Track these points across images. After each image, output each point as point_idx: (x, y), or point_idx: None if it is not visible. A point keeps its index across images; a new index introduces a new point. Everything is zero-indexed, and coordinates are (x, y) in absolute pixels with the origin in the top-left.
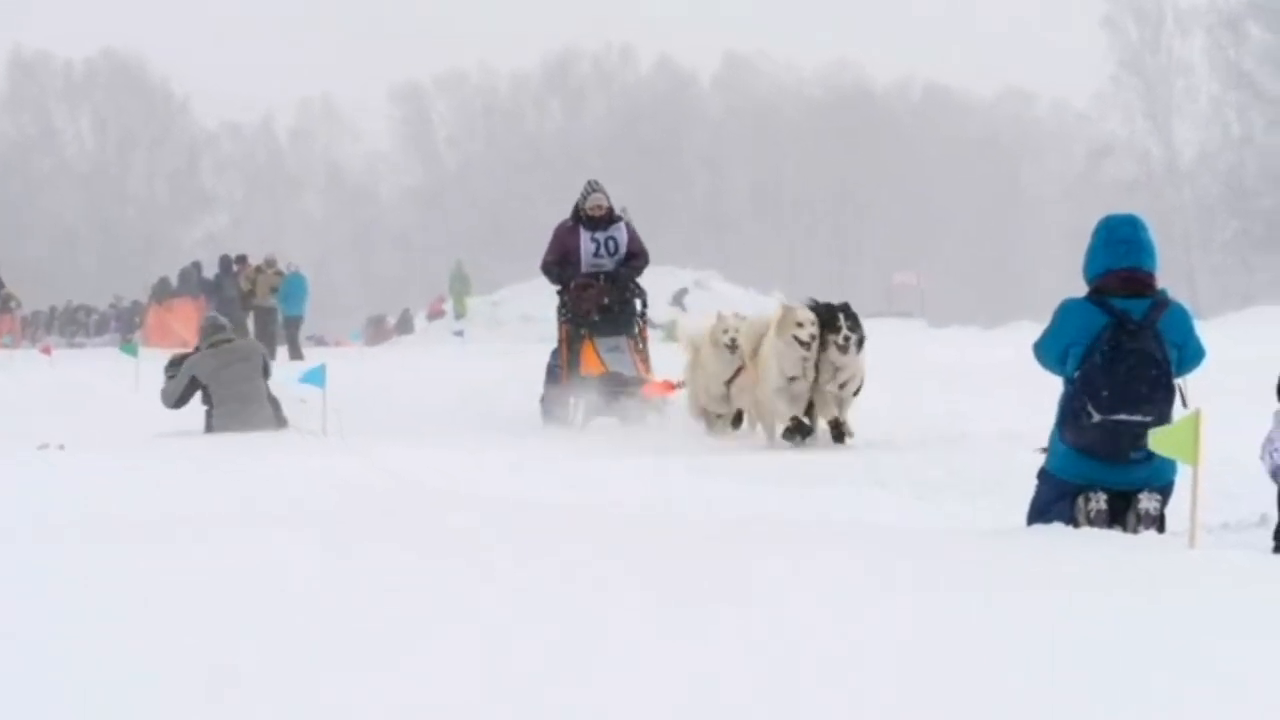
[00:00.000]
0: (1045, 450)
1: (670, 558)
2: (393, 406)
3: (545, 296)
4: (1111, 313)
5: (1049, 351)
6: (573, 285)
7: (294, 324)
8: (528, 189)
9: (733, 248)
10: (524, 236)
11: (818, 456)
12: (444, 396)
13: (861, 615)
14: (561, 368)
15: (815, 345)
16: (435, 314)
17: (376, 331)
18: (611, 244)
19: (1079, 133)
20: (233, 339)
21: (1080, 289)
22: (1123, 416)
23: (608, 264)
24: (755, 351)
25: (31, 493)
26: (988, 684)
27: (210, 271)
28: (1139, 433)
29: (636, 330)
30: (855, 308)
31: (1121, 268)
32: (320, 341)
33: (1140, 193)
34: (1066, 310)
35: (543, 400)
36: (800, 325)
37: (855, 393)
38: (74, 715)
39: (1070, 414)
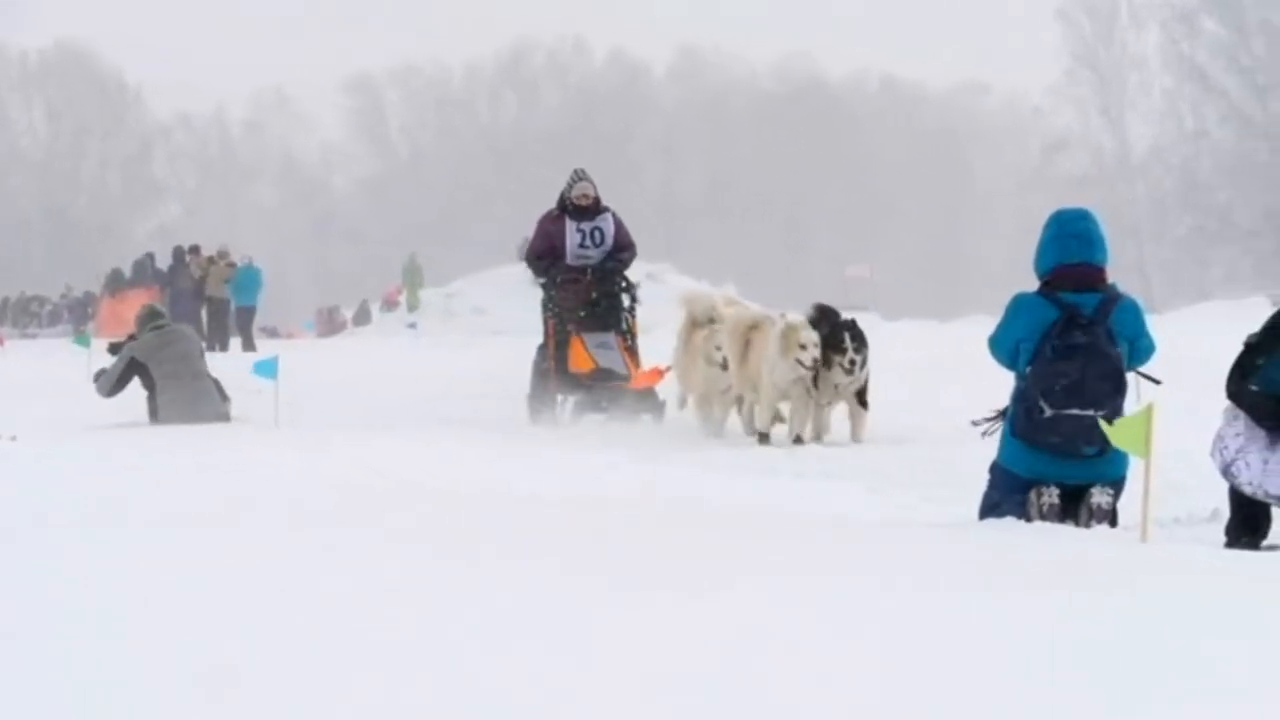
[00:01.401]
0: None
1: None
2: (347, 399)
3: (498, 289)
4: (1063, 307)
5: (1001, 346)
6: (559, 280)
7: (247, 315)
8: (481, 181)
9: (686, 240)
10: (477, 229)
11: (772, 450)
12: (405, 390)
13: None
14: (549, 364)
15: (816, 369)
16: (391, 303)
17: (329, 323)
18: (598, 235)
19: (1033, 126)
20: (170, 324)
21: (1033, 283)
22: (1075, 411)
23: (594, 256)
24: (745, 345)
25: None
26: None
27: (164, 263)
28: (1090, 427)
29: (625, 326)
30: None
31: (1073, 262)
32: (273, 333)
33: (1093, 187)
34: (1018, 305)
35: (529, 398)
36: (804, 348)
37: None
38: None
39: (1022, 408)
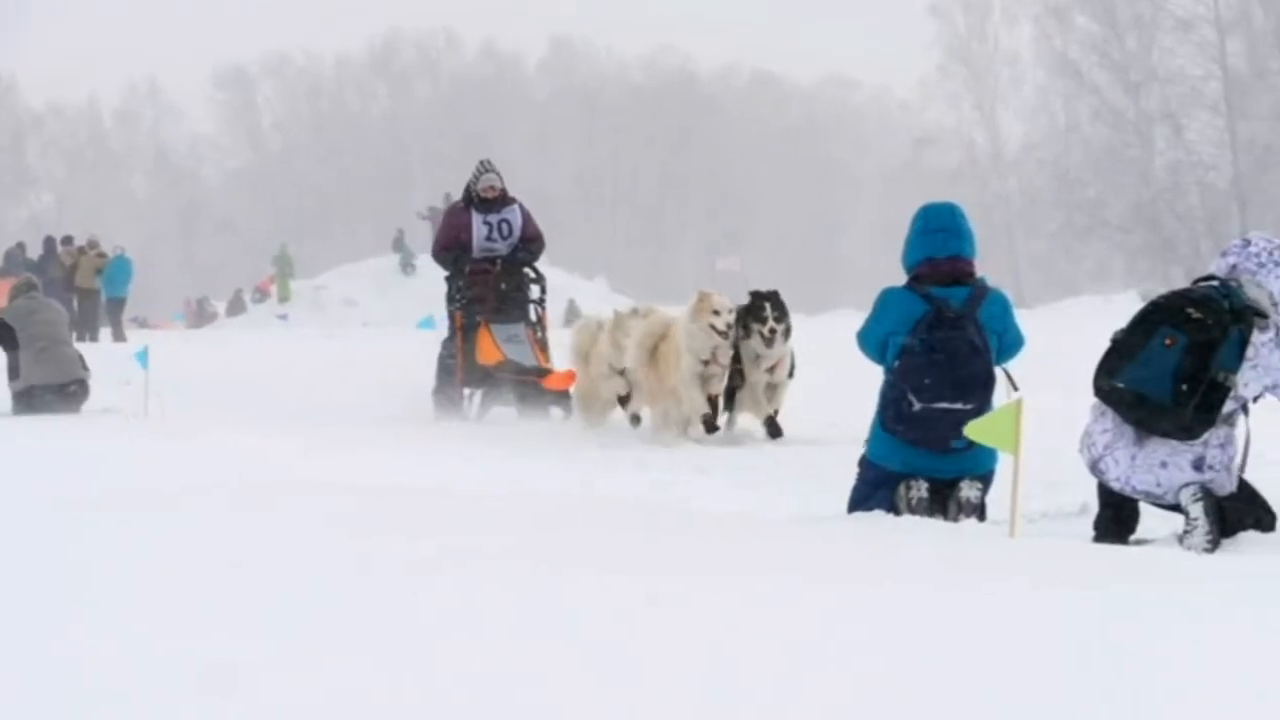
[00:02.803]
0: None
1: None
2: (219, 391)
3: (367, 281)
4: (931, 301)
5: (870, 340)
6: (466, 270)
7: (117, 306)
8: (352, 173)
9: (556, 233)
10: (348, 221)
11: (639, 444)
12: (283, 380)
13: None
14: (456, 357)
15: (731, 334)
16: (263, 292)
17: (199, 314)
18: (505, 227)
19: (902, 121)
20: (41, 296)
21: (901, 277)
22: (943, 405)
23: (501, 248)
24: (654, 350)
25: None
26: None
27: (35, 252)
28: (960, 421)
29: (535, 318)
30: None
31: (940, 256)
32: (143, 324)
33: (965, 182)
34: (886, 299)
35: (434, 392)
36: (716, 313)
37: (790, 374)
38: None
39: (891, 403)
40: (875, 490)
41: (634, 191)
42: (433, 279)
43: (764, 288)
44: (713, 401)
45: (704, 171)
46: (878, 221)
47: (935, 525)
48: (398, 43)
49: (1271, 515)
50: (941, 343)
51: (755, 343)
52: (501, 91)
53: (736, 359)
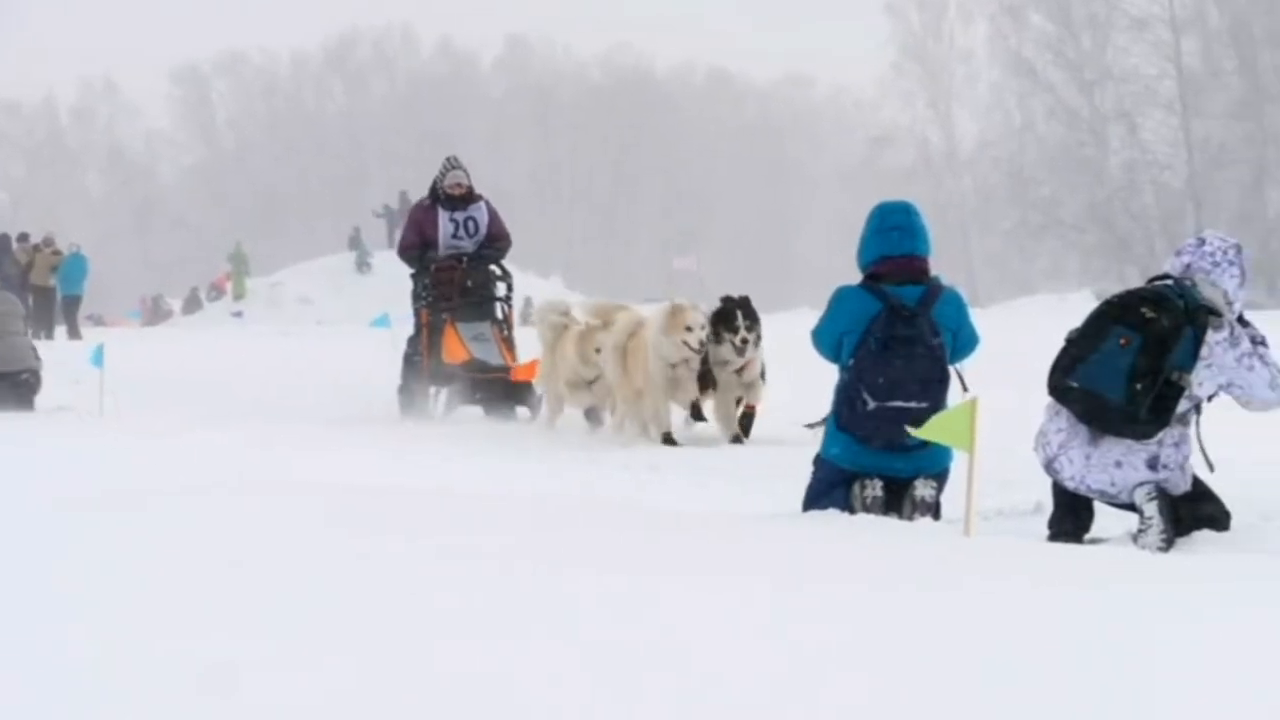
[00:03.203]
0: (815, 425)
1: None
2: (176, 388)
3: (323, 279)
4: (885, 299)
5: (824, 339)
6: (432, 268)
7: (72, 304)
8: (308, 171)
9: (512, 231)
10: (304, 219)
11: (601, 444)
12: (239, 379)
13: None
14: (422, 355)
15: (703, 351)
16: (219, 289)
17: (154, 311)
18: (471, 224)
19: (858, 120)
20: None
21: (857, 275)
22: (898, 404)
23: (468, 245)
24: (623, 352)
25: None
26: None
27: None
28: (914, 419)
29: (502, 316)
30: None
31: (895, 254)
32: (99, 321)
33: (920, 180)
34: (841, 297)
35: (400, 390)
36: (689, 329)
37: (761, 375)
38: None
39: (846, 401)
40: (830, 489)
41: (590, 189)
42: (388, 277)
43: (728, 290)
44: (696, 407)
45: (660, 170)
46: (834, 220)
47: (889, 524)
48: (354, 41)
49: (1226, 514)
50: (896, 341)
51: (726, 350)
52: (458, 89)
53: (705, 360)
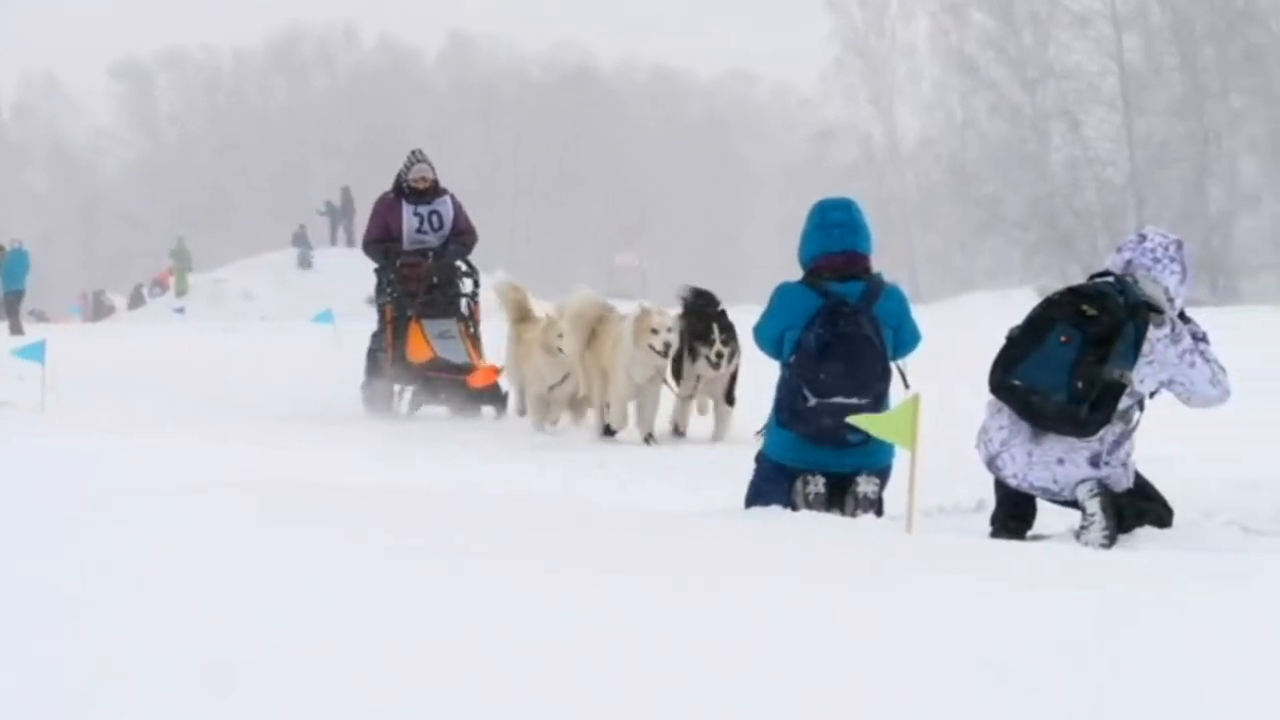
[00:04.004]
0: (761, 432)
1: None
2: (119, 384)
3: (265, 274)
4: (826, 296)
5: (765, 336)
6: (398, 263)
7: (14, 299)
8: (251, 166)
9: None
10: (246, 214)
11: (546, 440)
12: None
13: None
14: (386, 352)
15: (672, 353)
16: (162, 284)
17: (96, 307)
18: (436, 219)
19: (802, 117)
20: None
21: (800, 272)
22: (839, 400)
23: (432, 240)
24: (590, 340)
25: None
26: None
27: None
28: (856, 415)
29: (468, 312)
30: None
31: (836, 251)
32: (41, 317)
33: (862, 177)
34: (782, 294)
35: (364, 387)
36: (655, 332)
37: (733, 377)
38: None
39: (787, 398)
40: (772, 485)
41: (533, 186)
42: (330, 274)
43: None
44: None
45: (604, 166)
46: (779, 217)
47: (831, 520)
48: (296, 37)
49: (1168, 511)
50: (837, 337)
51: (701, 366)
52: (400, 86)
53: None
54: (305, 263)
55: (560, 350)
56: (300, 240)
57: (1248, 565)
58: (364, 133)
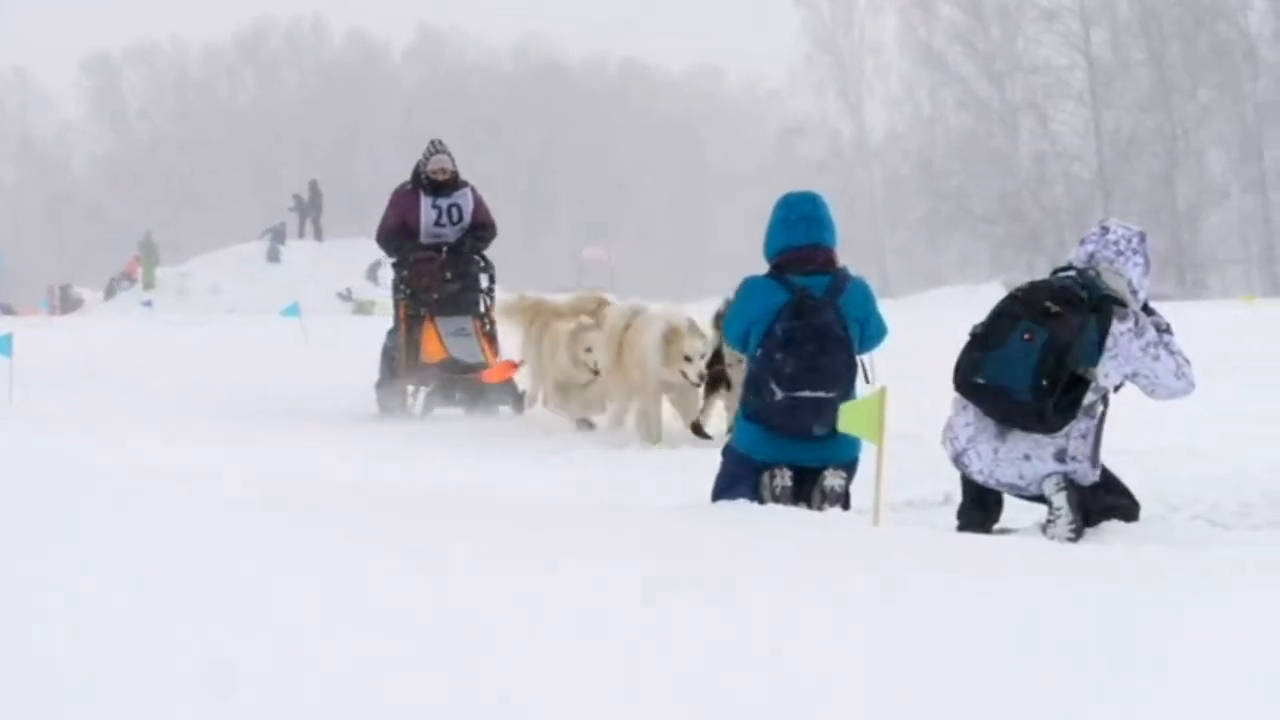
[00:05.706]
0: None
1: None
2: (87, 378)
3: (233, 268)
4: (792, 290)
5: (732, 330)
6: (411, 258)
7: None
8: (220, 160)
9: None
10: (214, 208)
11: (506, 429)
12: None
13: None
14: (399, 351)
15: (705, 379)
16: (130, 276)
17: (63, 301)
18: (455, 212)
19: (770, 111)
20: None
21: (766, 267)
22: (805, 393)
23: (450, 234)
24: (620, 348)
25: None
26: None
27: None
28: (822, 409)
29: (484, 309)
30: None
31: (801, 244)
32: (9, 310)
33: (830, 172)
34: (748, 288)
35: (378, 387)
36: (689, 360)
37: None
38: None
39: (754, 391)
40: (739, 479)
41: (502, 180)
42: (298, 268)
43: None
44: (697, 425)
45: (573, 160)
46: (747, 211)
47: (798, 514)
48: (265, 30)
49: (1134, 505)
50: (803, 331)
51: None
52: (369, 80)
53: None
54: (274, 256)
55: (588, 365)
56: (278, 235)
57: (1214, 559)
58: (333, 127)
